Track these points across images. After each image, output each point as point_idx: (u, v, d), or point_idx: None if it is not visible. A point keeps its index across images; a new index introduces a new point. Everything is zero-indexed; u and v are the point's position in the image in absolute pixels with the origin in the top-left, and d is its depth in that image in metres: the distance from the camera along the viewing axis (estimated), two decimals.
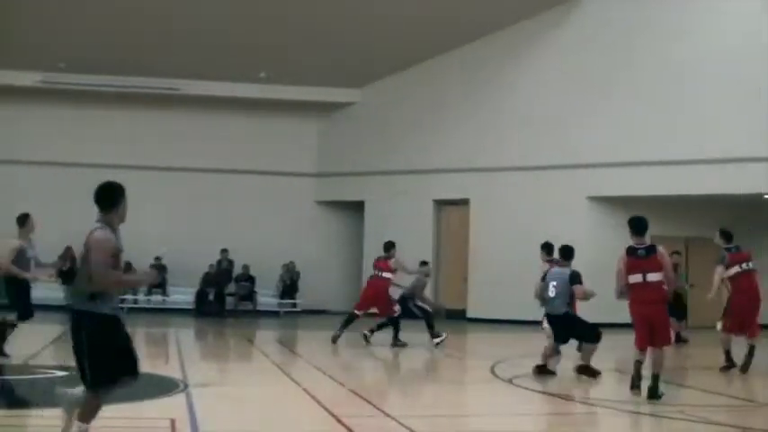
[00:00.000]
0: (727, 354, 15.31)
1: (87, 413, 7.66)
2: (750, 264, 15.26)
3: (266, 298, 29.71)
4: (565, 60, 27.17)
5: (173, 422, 9.37)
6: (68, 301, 8.30)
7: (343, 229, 31.81)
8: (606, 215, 26.43)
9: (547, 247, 17.10)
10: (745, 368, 14.97)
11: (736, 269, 15.17)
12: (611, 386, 13.99)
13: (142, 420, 9.78)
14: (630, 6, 26.41)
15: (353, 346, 18.65)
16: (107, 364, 7.54)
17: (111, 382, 7.62)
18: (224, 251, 29.60)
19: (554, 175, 26.84)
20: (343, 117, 31.25)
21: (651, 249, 12.05)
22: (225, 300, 29.11)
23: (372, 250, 29.79)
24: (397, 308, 18.92)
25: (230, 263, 29.68)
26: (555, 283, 14.24)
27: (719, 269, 15.25)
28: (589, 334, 14.21)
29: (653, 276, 11.92)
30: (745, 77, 24.23)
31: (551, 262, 15.99)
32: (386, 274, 19.37)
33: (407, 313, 19.17)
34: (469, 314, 28.08)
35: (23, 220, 15.01)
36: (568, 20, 27.24)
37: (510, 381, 13.78)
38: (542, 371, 14.11)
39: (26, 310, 14.74)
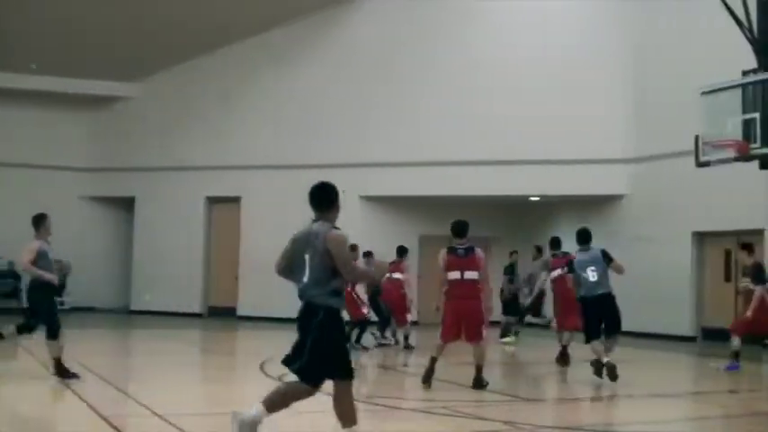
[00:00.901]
0: (563, 349, 16.51)
1: (279, 403, 8.05)
2: (560, 270, 16.55)
3: None
4: (339, 61, 27.58)
5: None
6: (305, 295, 8.18)
7: (113, 226, 31.24)
8: (377, 214, 27.07)
9: (556, 242, 17.95)
10: (561, 361, 16.41)
11: (557, 272, 16.65)
12: (396, 384, 14.46)
13: None
14: (410, 6, 27.12)
15: (123, 344, 18.40)
16: (329, 359, 7.82)
17: (326, 377, 7.88)
18: None
19: (328, 174, 27.05)
20: (118, 111, 30.68)
21: (470, 250, 12.89)
22: None
23: (143, 246, 29.48)
24: (365, 310, 19.36)
25: None
26: (592, 267, 14.02)
27: (543, 274, 17.44)
28: (619, 324, 14.27)
29: (470, 274, 12.78)
30: (527, 86, 25.37)
31: (556, 256, 17.25)
32: (396, 275, 19.95)
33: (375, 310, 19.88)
34: (240, 312, 28.10)
35: (41, 220, 13.52)
36: (351, 18, 27.70)
37: (279, 378, 13.91)
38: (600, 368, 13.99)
39: (53, 322, 12.90)
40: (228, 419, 7.83)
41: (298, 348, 7.95)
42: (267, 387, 13.28)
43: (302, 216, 27.10)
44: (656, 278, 22.73)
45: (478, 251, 13.03)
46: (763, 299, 15.10)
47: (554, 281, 17.04)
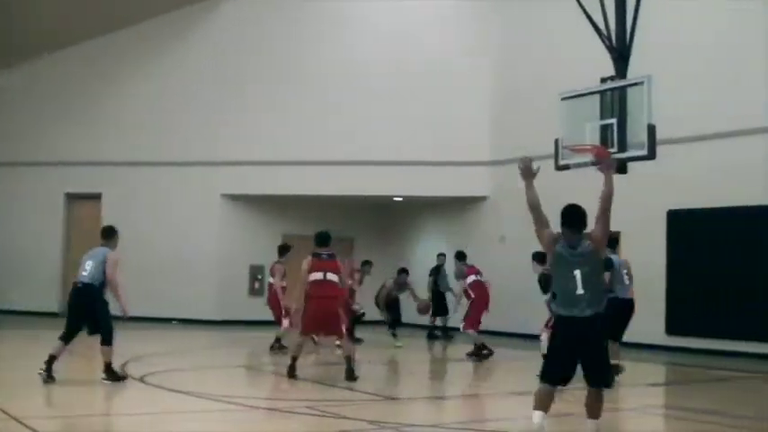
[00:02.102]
0: (483, 346, 18.11)
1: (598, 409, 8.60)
2: (481, 275, 18.68)
3: None
4: (201, 57, 27.40)
5: None
6: (586, 309, 8.33)
7: None
8: (239, 213, 26.96)
9: (462, 255, 19.45)
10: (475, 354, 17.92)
11: (472, 278, 18.47)
12: (259, 384, 14.46)
13: None
14: (275, 6, 27.06)
15: None
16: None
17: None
18: None
19: (188, 172, 26.95)
20: None
21: (332, 256, 14.20)
22: None
23: (1, 244, 28.65)
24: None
25: None
26: (626, 270, 14.59)
27: (461, 282, 18.67)
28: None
29: (331, 276, 13.96)
30: (391, 87, 25.61)
31: (466, 265, 18.99)
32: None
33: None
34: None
35: (111, 233, 13.72)
36: (215, 16, 27.52)
37: (141, 379, 13.76)
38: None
39: (109, 330, 13.35)
40: (89, 422, 7.68)
41: None
42: (127, 388, 13.20)
43: (166, 213, 26.65)
44: (518, 278, 23.14)
45: (339, 258, 14.39)
46: None
47: (472, 286, 18.43)
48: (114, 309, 13.41)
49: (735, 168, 19.05)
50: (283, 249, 19.45)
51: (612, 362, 13.80)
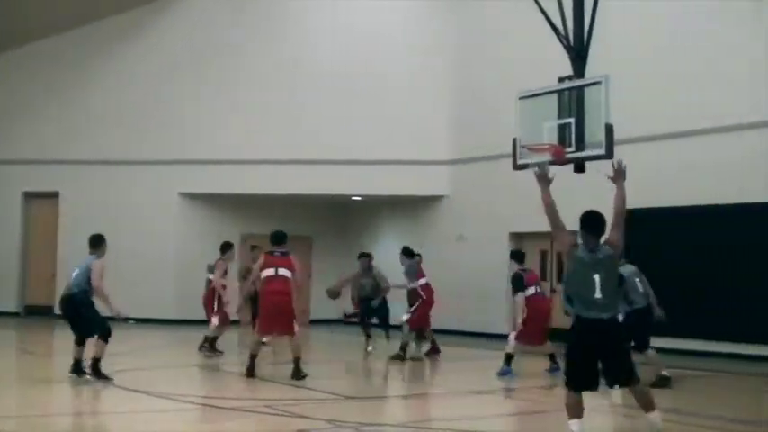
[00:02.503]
0: (405, 347, 17.72)
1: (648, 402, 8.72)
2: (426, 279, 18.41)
3: None
4: (158, 57, 27.29)
5: None
6: (603, 312, 8.47)
7: None
8: (197, 212, 26.88)
9: (410, 252, 18.92)
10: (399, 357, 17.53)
11: (423, 280, 18.27)
12: (216, 383, 14.50)
13: None
14: (231, 5, 27.01)
15: None
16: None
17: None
18: None
19: (145, 171, 26.83)
20: None
21: (286, 254, 14.35)
22: None
23: None
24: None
25: None
26: (638, 279, 14.42)
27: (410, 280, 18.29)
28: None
29: (283, 271, 14.10)
30: (350, 86, 25.62)
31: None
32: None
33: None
34: (58, 310, 27.36)
35: (98, 241, 14.05)
36: (170, 14, 27.40)
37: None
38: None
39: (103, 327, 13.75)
40: (46, 422, 7.66)
41: None
42: (89, 388, 13.12)
43: (123, 212, 26.55)
44: (476, 277, 23.28)
45: (293, 256, 14.49)
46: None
47: (423, 288, 18.25)
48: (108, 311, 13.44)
49: (698, 167, 19.16)
50: (225, 247, 19.22)
51: (663, 373, 13.98)
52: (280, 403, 11.64)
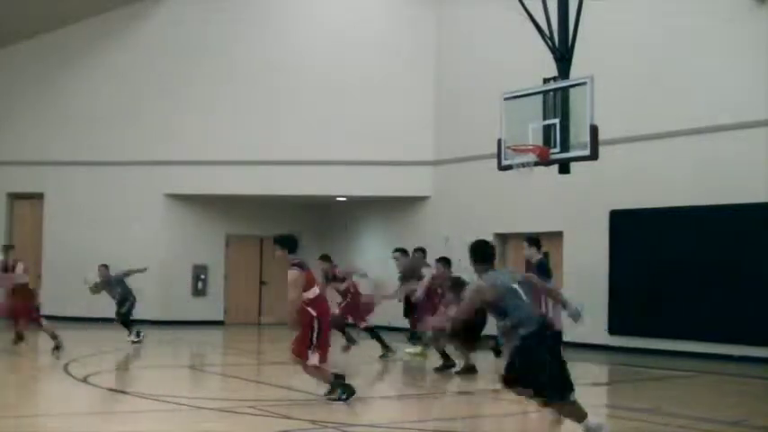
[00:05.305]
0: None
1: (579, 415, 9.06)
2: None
3: None
4: (143, 57, 27.20)
5: None
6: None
7: None
8: (182, 212, 26.85)
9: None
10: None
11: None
12: (201, 383, 14.45)
13: None
14: (209, 7, 26.98)
15: None
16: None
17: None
18: None
19: (131, 172, 26.78)
20: None
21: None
22: None
23: None
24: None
25: None
26: None
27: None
28: None
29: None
30: (333, 87, 25.68)
31: None
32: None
33: None
34: (43, 311, 27.21)
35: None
36: (147, 17, 27.35)
37: (84, 379, 13.67)
38: None
39: None
40: (32, 423, 7.64)
41: None
42: (72, 389, 13.11)
43: (109, 213, 26.44)
44: None
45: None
46: None
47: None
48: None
49: (679, 169, 19.22)
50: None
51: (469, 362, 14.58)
52: (265, 404, 11.65)
